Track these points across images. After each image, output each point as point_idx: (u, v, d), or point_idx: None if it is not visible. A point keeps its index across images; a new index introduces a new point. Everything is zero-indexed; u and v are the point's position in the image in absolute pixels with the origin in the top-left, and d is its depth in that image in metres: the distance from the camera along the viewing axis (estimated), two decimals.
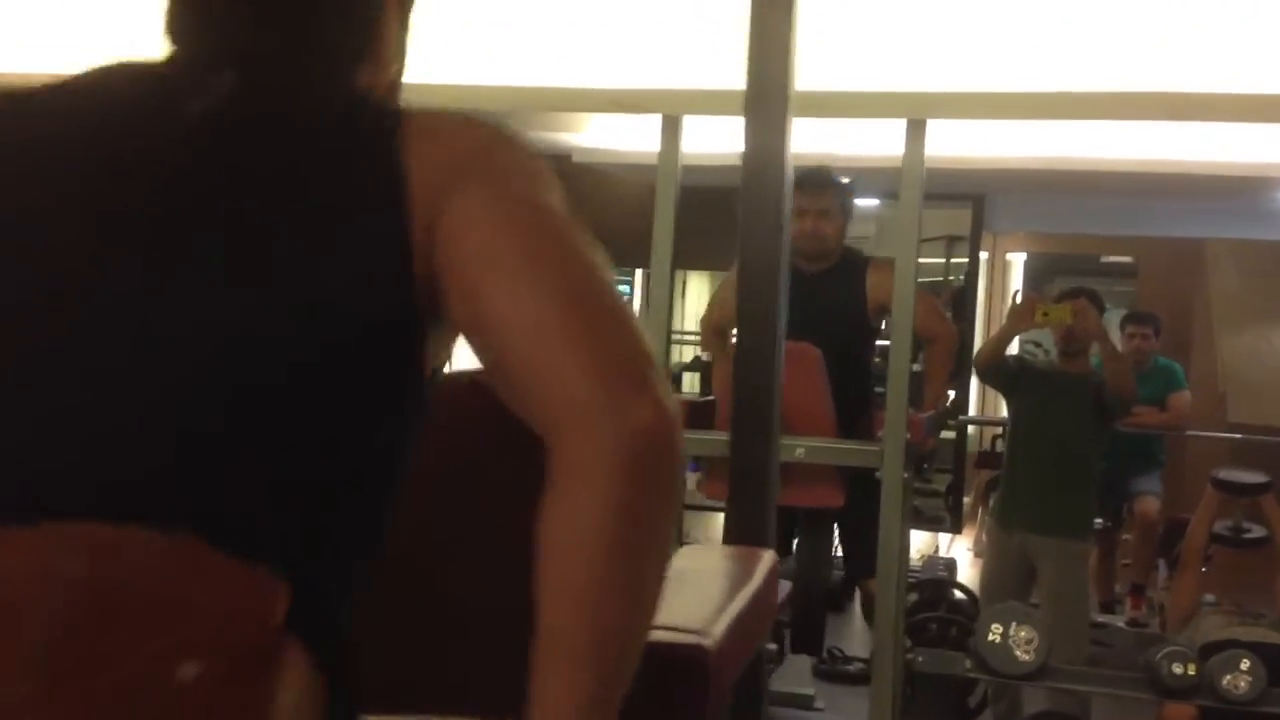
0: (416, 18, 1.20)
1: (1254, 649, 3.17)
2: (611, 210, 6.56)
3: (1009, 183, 6.65)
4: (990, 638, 3.09)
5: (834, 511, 4.02)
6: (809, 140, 3.64)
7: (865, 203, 6.61)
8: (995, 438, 8.06)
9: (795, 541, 4.25)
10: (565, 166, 5.78)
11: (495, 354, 0.96)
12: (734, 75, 2.40)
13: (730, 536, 1.80)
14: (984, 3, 3.28)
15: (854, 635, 5.52)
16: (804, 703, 4.51)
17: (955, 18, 3.19)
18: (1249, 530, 4.61)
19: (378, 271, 0.96)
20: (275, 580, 0.88)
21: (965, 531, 7.76)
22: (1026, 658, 3.08)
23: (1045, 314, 4.21)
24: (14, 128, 1.04)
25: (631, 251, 3.73)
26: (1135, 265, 9.71)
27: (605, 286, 0.98)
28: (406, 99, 1.12)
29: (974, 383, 8.10)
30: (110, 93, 1.05)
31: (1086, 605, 4.42)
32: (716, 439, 3.27)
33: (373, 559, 1.00)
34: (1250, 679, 3.06)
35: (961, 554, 7.29)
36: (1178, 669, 3.08)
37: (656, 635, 1.18)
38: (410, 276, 0.96)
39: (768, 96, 2.11)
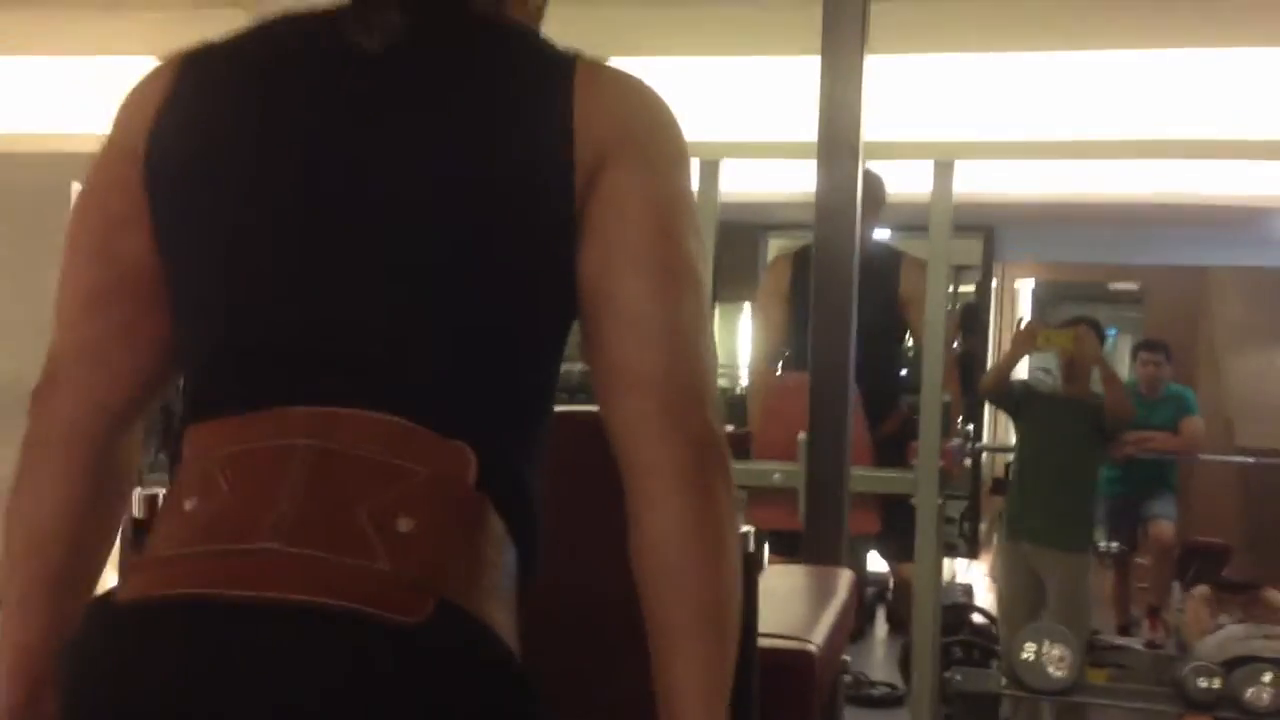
0: None
1: (1277, 664, 3.32)
2: None
3: (1018, 215, 6.84)
4: (1024, 655, 3.25)
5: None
6: None
7: (881, 234, 6.81)
8: (1008, 465, 8.24)
9: None
10: None
11: (596, 325, 1.11)
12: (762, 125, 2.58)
13: (808, 557, 1.96)
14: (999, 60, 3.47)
15: (876, 661, 5.66)
16: None
17: (977, 73, 3.38)
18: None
19: (548, 202, 1.10)
20: (467, 451, 1.06)
21: (981, 556, 7.90)
22: (1060, 674, 3.23)
23: (1047, 339, 4.45)
24: (224, 68, 1.18)
25: None
26: (1141, 292, 9.89)
27: (702, 322, 1.14)
28: None
29: (988, 411, 8.28)
30: (289, 37, 1.18)
31: (1088, 617, 4.62)
32: (759, 469, 3.47)
33: (544, 437, 1.16)
34: (1273, 690, 3.21)
35: (978, 579, 7.42)
36: (1203, 683, 3.23)
37: (767, 642, 1.35)
38: (571, 215, 1.10)
39: (838, 146, 2.28)
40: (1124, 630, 6.46)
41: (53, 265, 1.24)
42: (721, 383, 7.30)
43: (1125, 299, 10.14)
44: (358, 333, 1.10)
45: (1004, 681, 3.25)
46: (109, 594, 1.06)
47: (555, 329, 1.15)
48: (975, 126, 3.48)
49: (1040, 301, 10.20)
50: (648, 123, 1.16)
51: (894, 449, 4.08)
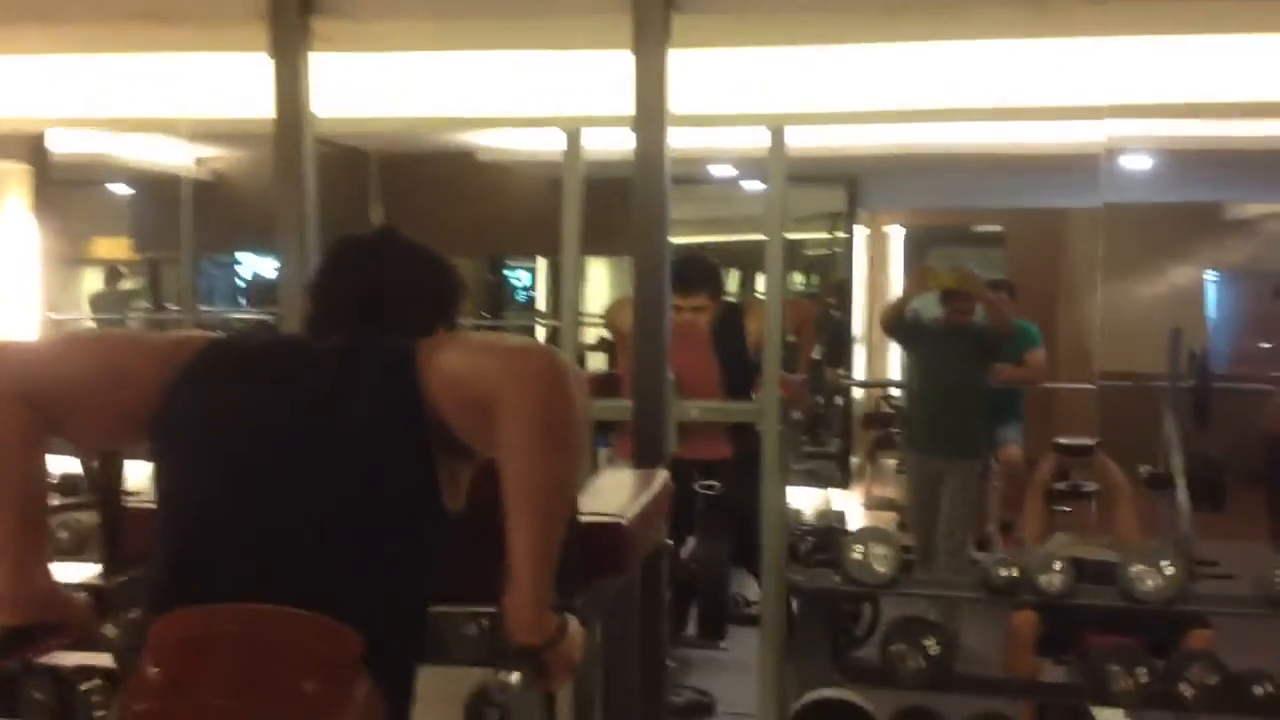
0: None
1: (1075, 561, 3.87)
2: (514, 202, 7.14)
3: (879, 165, 7.36)
4: (854, 555, 3.76)
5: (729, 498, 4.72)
6: (705, 138, 4.34)
7: (752, 184, 7.31)
8: (880, 399, 8.83)
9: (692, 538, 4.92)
10: (470, 162, 6.35)
11: (466, 409, 1.67)
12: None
13: (637, 464, 2.45)
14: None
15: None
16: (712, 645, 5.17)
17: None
18: (1085, 485, 5.34)
19: (407, 435, 1.66)
20: (355, 634, 1.59)
21: (854, 487, 8.47)
22: (882, 570, 3.76)
23: (935, 278, 5.57)
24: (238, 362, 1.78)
25: (533, 241, 4.31)
26: (1003, 234, 10.50)
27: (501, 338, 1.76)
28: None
29: (859, 351, 8.85)
30: (281, 351, 1.83)
31: (974, 516, 5.64)
32: (622, 405, 3.95)
33: (421, 622, 1.72)
34: (1063, 577, 3.76)
35: (853, 508, 7.97)
36: (1003, 572, 3.78)
37: (590, 518, 1.85)
38: (425, 422, 1.66)
39: (649, 117, 2.73)
40: (981, 546, 7.07)
41: None
42: (599, 333, 7.74)
43: (989, 241, 10.75)
44: (282, 549, 1.63)
45: (837, 579, 3.75)
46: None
47: (424, 551, 1.69)
48: (805, 97, 3.95)
49: (910, 245, 10.78)
50: (456, 339, 1.79)
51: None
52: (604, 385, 4.47)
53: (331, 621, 1.56)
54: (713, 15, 2.68)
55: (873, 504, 8.06)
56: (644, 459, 2.38)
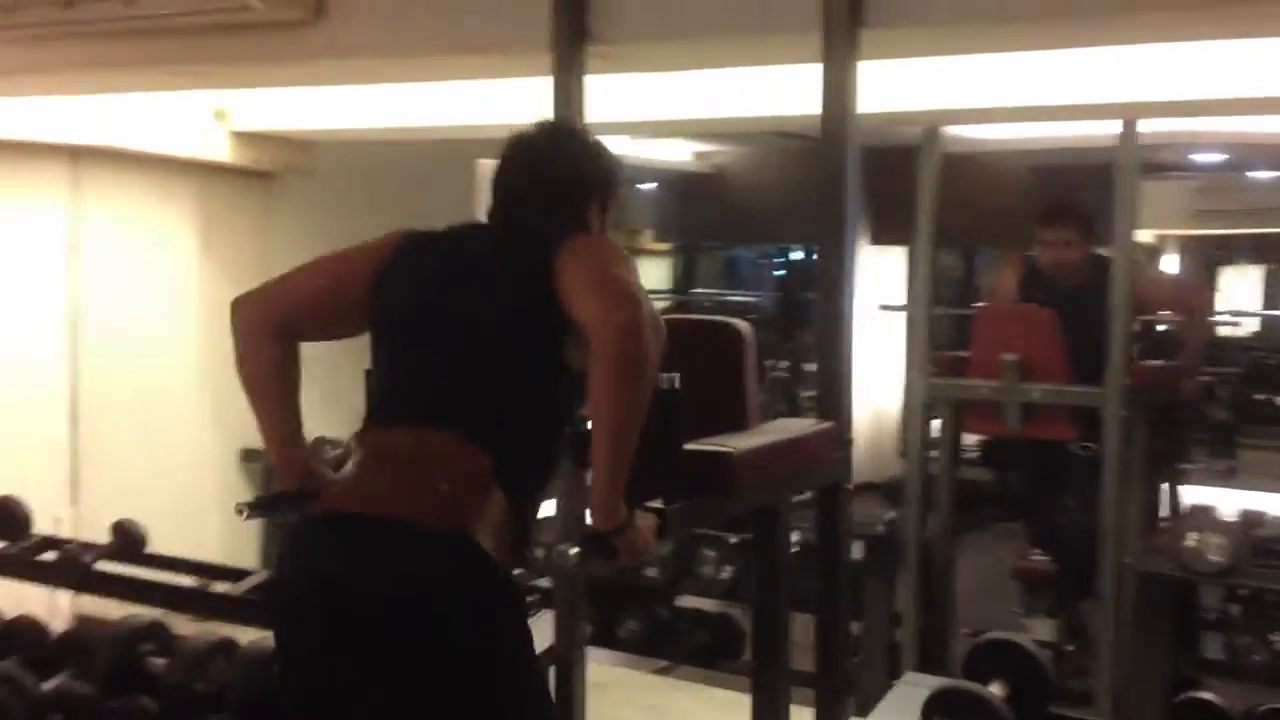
0: None
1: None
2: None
3: None
4: (1189, 543, 3.71)
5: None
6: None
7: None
8: None
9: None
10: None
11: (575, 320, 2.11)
12: None
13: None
14: None
15: None
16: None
17: None
18: None
19: (542, 300, 2.13)
20: (486, 454, 2.10)
21: None
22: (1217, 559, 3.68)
23: None
24: (423, 251, 2.33)
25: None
26: None
27: (622, 268, 2.13)
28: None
29: None
30: (457, 237, 2.34)
31: None
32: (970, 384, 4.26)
33: (546, 455, 2.22)
34: None
35: None
36: None
37: (697, 447, 2.20)
38: (554, 310, 2.11)
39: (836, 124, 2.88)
40: None
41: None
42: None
43: None
44: (445, 392, 2.18)
45: (1169, 566, 3.73)
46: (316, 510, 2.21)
47: (548, 391, 2.17)
48: None
49: None
50: (588, 253, 2.17)
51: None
52: (952, 366, 4.62)
53: (467, 442, 2.08)
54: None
55: None
56: (823, 411, 2.67)
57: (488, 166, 2.39)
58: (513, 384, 2.15)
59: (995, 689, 3.82)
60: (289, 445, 2.28)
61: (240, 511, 2.31)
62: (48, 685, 3.33)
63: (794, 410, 9.27)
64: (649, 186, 10.11)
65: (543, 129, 2.41)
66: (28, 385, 4.93)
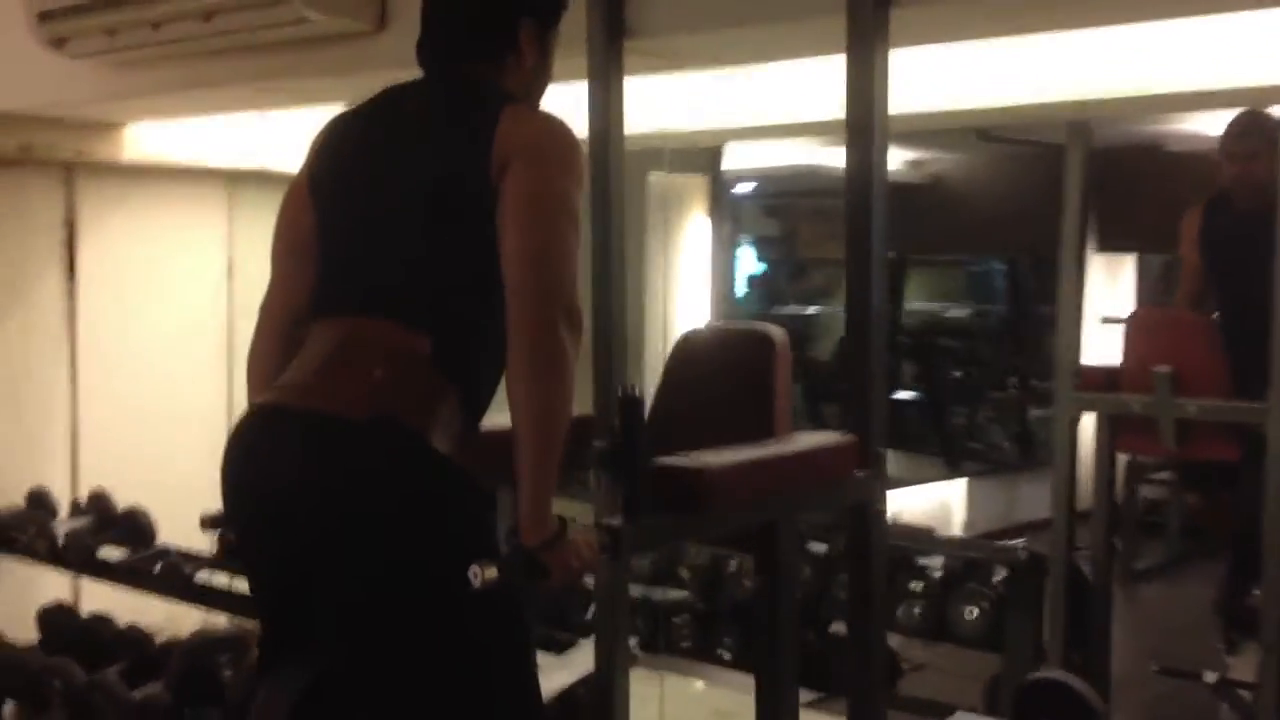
0: None
1: None
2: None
3: None
4: None
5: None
6: None
7: None
8: None
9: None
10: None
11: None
12: None
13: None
14: None
15: None
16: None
17: None
18: None
19: (473, 191, 1.96)
20: (423, 335, 1.94)
21: None
22: None
23: None
24: (346, 132, 2.19)
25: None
26: None
27: (556, 253, 1.92)
28: None
29: None
30: (381, 102, 2.18)
31: None
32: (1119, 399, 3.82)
33: (493, 332, 1.95)
34: None
35: None
36: None
37: (667, 461, 2.03)
38: (489, 198, 1.94)
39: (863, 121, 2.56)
40: None
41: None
42: None
43: None
44: (376, 275, 2.02)
45: None
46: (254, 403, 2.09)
47: (487, 267, 1.94)
48: None
49: None
50: (539, 140, 1.97)
51: None
52: (1103, 380, 4.21)
53: (401, 325, 1.96)
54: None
55: None
56: (849, 424, 2.43)
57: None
58: (446, 261, 1.98)
59: None
60: None
61: None
62: (138, 694, 3.40)
63: (1025, 432, 8.85)
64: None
65: None
66: (190, 399, 5.14)
